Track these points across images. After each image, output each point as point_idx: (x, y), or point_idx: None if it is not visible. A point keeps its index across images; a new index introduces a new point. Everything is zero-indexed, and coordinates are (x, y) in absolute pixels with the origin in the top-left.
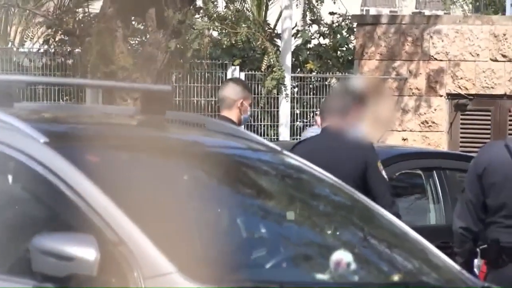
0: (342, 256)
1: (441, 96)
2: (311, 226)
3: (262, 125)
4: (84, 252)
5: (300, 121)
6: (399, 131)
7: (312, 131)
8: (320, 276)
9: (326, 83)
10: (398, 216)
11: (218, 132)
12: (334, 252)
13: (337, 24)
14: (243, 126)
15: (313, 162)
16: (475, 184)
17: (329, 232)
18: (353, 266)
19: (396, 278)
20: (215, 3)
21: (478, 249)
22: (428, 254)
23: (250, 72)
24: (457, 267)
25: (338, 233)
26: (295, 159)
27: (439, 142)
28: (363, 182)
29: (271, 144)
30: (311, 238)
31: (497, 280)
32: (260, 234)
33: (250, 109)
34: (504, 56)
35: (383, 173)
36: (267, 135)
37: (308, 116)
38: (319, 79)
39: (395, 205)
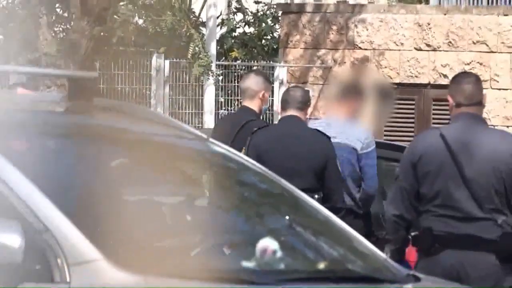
0: (268, 243)
1: None
2: (237, 214)
3: (187, 113)
4: (8, 238)
5: (224, 109)
6: None
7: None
8: (246, 264)
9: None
10: (339, 210)
11: (146, 119)
12: (260, 240)
13: (262, 12)
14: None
15: (275, 148)
16: (410, 172)
17: (255, 219)
18: (279, 253)
19: (322, 265)
20: None
21: (409, 236)
22: (354, 242)
23: (175, 60)
24: (382, 255)
25: (264, 220)
26: (221, 147)
27: None
28: (322, 173)
29: (197, 132)
30: (238, 226)
31: (428, 267)
32: (186, 221)
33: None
34: (428, 45)
35: (340, 169)
36: (192, 122)
37: (233, 104)
38: (243, 67)
39: (344, 201)
